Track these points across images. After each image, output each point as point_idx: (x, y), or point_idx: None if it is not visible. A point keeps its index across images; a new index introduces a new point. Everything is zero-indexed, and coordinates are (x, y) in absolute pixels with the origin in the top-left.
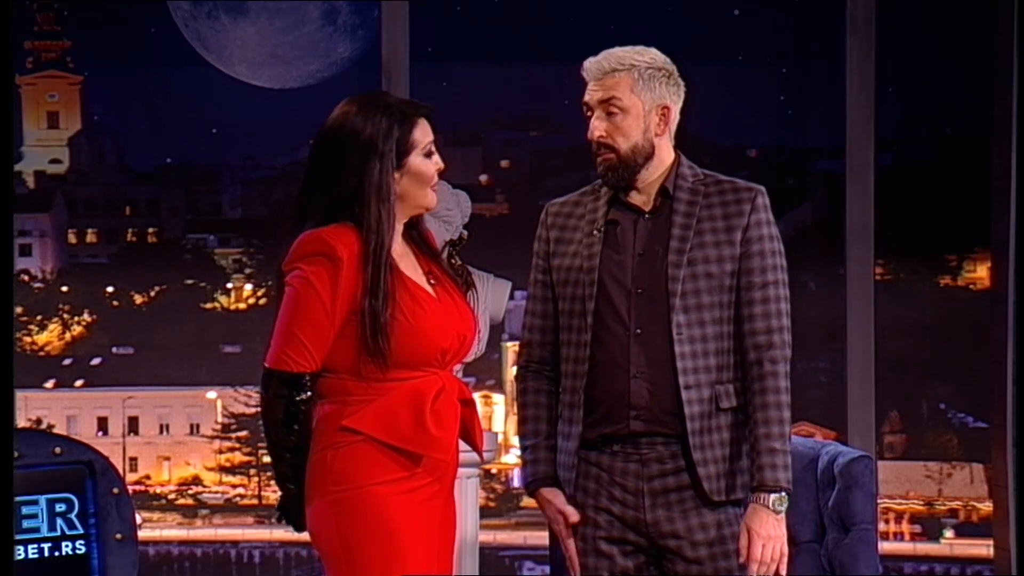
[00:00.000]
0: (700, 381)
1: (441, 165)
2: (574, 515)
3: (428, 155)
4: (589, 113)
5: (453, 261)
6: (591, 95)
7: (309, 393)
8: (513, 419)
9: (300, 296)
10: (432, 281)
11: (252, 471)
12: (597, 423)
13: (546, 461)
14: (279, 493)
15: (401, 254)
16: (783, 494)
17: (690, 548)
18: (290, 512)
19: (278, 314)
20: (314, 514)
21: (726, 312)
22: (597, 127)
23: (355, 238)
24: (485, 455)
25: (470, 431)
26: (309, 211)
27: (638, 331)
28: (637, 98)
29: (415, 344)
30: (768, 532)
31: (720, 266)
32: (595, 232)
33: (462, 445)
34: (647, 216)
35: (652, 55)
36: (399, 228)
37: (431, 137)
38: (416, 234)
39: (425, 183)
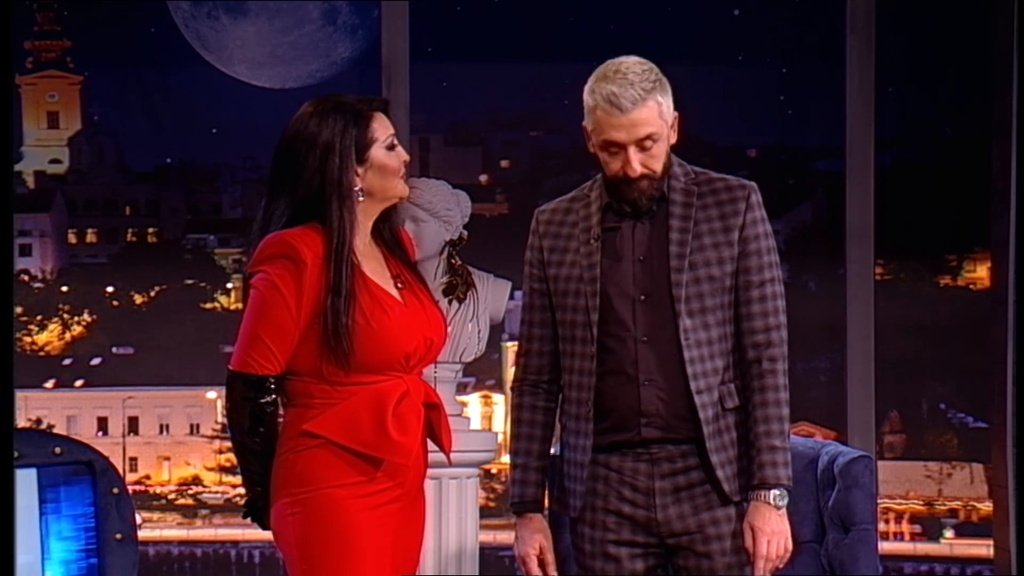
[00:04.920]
0: (710, 384)
1: (406, 157)
2: (552, 571)
3: (390, 148)
4: (615, 150)
5: (453, 261)
6: (627, 133)
7: (273, 396)
8: None
9: (264, 299)
10: (399, 284)
11: None
12: (607, 432)
13: (535, 484)
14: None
15: (367, 256)
16: (783, 490)
17: (702, 543)
18: (256, 512)
19: (243, 317)
20: (275, 516)
21: (727, 313)
22: (636, 161)
23: (319, 239)
24: (485, 455)
25: (437, 434)
26: (275, 215)
27: (644, 338)
28: (663, 120)
29: (376, 347)
30: (772, 528)
31: (721, 267)
32: (592, 240)
33: (463, 444)
34: (643, 220)
35: (653, 67)
36: (366, 226)
37: (391, 131)
38: (389, 236)
39: (390, 175)
